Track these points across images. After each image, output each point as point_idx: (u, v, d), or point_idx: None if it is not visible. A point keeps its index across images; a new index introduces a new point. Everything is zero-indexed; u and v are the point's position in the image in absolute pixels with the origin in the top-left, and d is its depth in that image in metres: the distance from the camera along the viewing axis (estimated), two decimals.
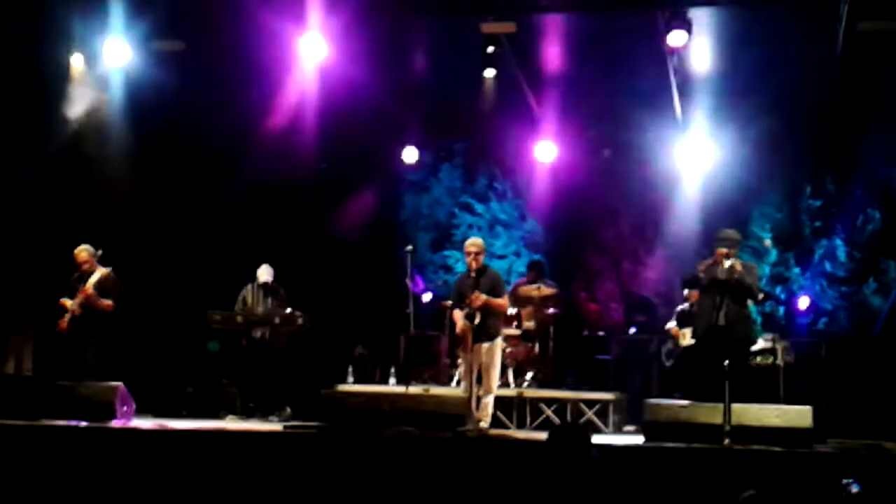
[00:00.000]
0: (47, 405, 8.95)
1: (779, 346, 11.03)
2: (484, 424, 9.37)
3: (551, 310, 12.16)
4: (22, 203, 12.27)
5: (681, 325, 11.06)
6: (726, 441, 7.95)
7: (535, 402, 11.15)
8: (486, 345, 9.44)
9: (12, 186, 12.12)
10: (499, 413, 10.53)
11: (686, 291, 10.82)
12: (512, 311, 11.55)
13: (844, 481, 6.49)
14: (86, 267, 10.35)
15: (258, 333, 11.22)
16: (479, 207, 14.12)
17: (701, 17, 10.78)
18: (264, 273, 11.42)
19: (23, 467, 7.56)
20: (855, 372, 11.29)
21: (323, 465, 7.42)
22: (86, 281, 10.27)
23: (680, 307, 11.26)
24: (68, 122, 12.39)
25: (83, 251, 10.39)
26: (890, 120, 11.97)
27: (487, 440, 8.75)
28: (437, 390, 10.93)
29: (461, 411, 8.84)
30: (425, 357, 12.48)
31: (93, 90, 12.39)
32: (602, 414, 10.92)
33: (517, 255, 13.85)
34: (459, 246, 12.49)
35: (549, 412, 11.02)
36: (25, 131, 12.23)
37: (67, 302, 10.30)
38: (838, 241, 12.68)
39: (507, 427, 10.86)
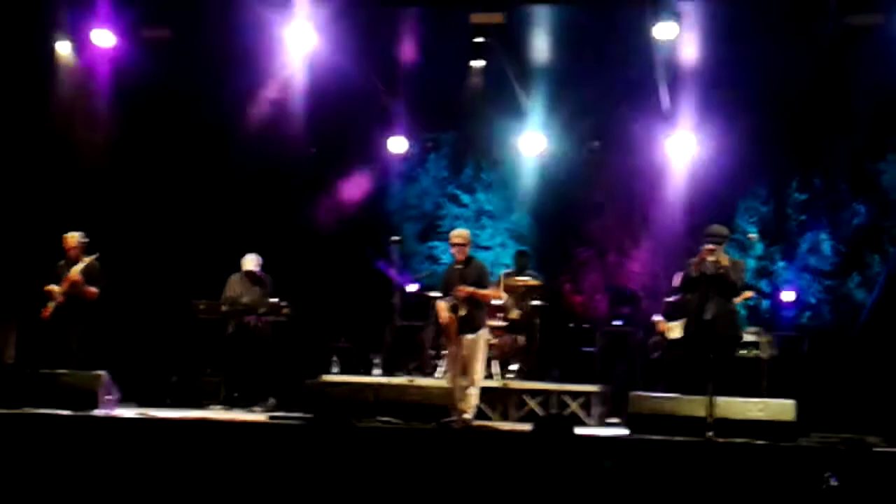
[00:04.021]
0: (30, 393, 8.92)
1: (762, 340, 11.07)
2: (468, 416, 9.38)
3: (536, 301, 12.17)
4: (4, 191, 12.22)
5: (667, 318, 11.08)
6: (709, 434, 7.98)
7: (519, 393, 11.16)
8: (470, 336, 9.46)
9: None
10: (483, 405, 10.53)
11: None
12: (498, 301, 11.55)
13: (827, 474, 6.53)
14: (73, 254, 10.33)
15: (245, 321, 11.21)
16: (465, 198, 14.11)
17: (688, 10, 10.80)
18: (250, 262, 11.39)
19: (5, 455, 7.53)
20: (838, 366, 11.34)
21: (307, 455, 7.41)
22: (71, 268, 10.24)
23: (668, 299, 11.28)
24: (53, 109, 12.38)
25: (73, 237, 10.36)
26: (876, 114, 12.01)
27: (472, 431, 8.76)
28: (421, 381, 10.92)
29: (445, 402, 8.85)
30: (410, 348, 12.47)
31: (78, 77, 12.37)
32: (586, 406, 10.94)
33: (503, 246, 13.85)
34: (446, 236, 12.45)
35: (533, 404, 11.03)
36: (11, 119, 12.20)
37: (54, 288, 10.27)
38: (823, 235, 12.72)
39: (491, 419, 10.87)
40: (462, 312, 9.40)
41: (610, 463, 6.92)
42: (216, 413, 10.31)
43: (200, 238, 13.03)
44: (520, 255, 12.82)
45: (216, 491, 7.31)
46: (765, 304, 12.68)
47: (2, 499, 7.26)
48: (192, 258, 12.78)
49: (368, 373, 12.04)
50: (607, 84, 12.30)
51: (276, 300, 11.17)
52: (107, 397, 9.18)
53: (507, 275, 12.43)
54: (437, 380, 11.06)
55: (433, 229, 14.13)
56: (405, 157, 14.04)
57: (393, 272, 12.74)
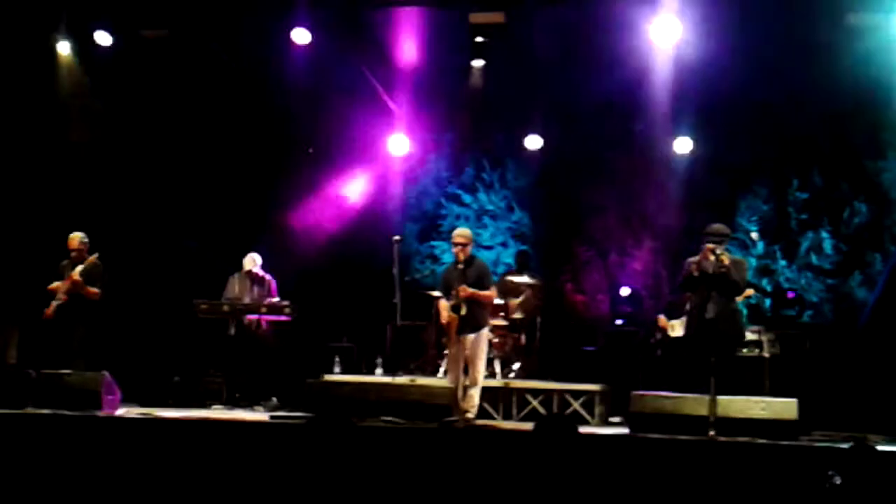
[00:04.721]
0: (33, 393, 8.93)
1: (764, 339, 11.06)
2: (470, 415, 9.38)
3: (537, 300, 12.17)
4: (6, 191, 12.24)
5: (670, 316, 11.08)
6: (711, 433, 7.98)
7: (521, 392, 11.16)
8: (472, 336, 9.46)
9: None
10: (485, 404, 10.53)
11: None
12: (499, 301, 11.55)
13: (829, 473, 6.53)
14: (76, 254, 10.34)
15: (246, 321, 11.21)
16: (466, 198, 14.09)
17: (689, 8, 10.80)
18: (251, 262, 11.40)
19: (7, 456, 7.53)
20: (840, 364, 11.33)
21: (309, 454, 7.42)
22: (74, 268, 10.26)
23: (670, 298, 11.28)
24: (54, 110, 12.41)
25: (76, 238, 10.38)
26: (878, 112, 12.00)
27: (474, 431, 8.76)
28: (423, 381, 10.91)
29: (447, 402, 8.85)
30: (412, 347, 12.47)
31: (79, 76, 12.40)
32: (588, 405, 10.94)
33: (504, 245, 13.83)
34: (447, 236, 12.49)
35: (535, 403, 11.04)
36: (12, 119, 12.22)
37: (57, 285, 10.28)
38: (825, 234, 12.71)
39: (493, 418, 10.88)
40: (463, 312, 9.40)
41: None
42: (218, 413, 10.31)
43: (201, 238, 13.03)
44: (521, 255, 12.83)
45: (218, 490, 7.31)
46: (766, 302, 12.67)
47: (5, 499, 7.27)
48: (193, 258, 12.78)
49: (370, 372, 12.05)
50: (608, 83, 12.28)
51: (277, 300, 11.18)
52: (109, 397, 9.18)
53: (508, 274, 12.44)
54: (439, 379, 11.07)
55: (434, 229, 14.12)
56: (406, 157, 14.03)
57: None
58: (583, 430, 7.86)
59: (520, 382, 11.32)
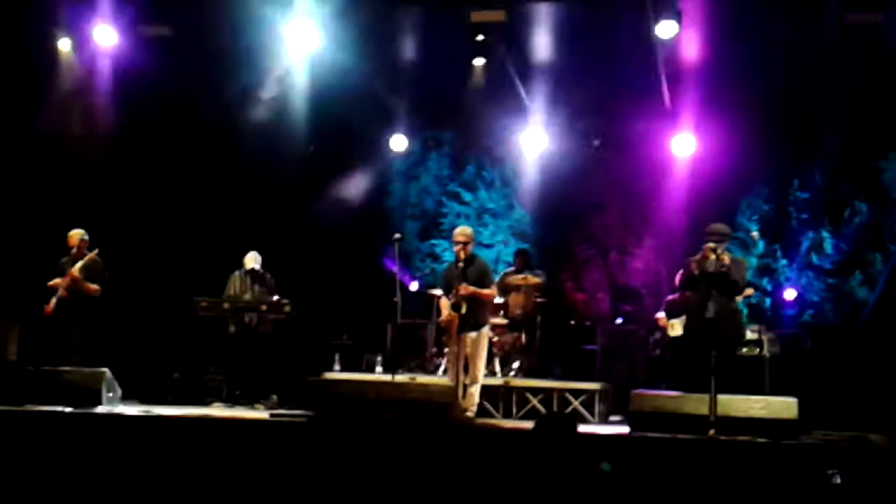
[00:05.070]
0: (32, 390, 8.92)
1: (765, 338, 11.07)
2: (470, 413, 9.38)
3: (537, 299, 12.17)
4: (6, 188, 12.23)
5: (669, 315, 11.08)
6: (711, 432, 7.97)
7: (521, 391, 11.15)
8: (472, 334, 9.44)
9: None
10: (485, 402, 10.52)
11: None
12: (499, 300, 11.55)
13: (829, 472, 6.53)
14: (75, 251, 10.33)
15: (247, 318, 11.21)
16: (467, 196, 14.11)
17: (690, 7, 10.79)
18: (251, 260, 11.39)
19: (7, 453, 7.52)
20: (840, 364, 11.33)
21: (309, 452, 7.41)
22: (74, 265, 10.25)
23: (669, 297, 11.28)
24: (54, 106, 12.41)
25: (76, 235, 10.37)
26: (878, 112, 12.00)
27: (474, 429, 8.75)
28: (423, 379, 10.91)
29: (447, 400, 8.84)
30: (412, 345, 12.48)
31: (79, 74, 12.40)
32: (588, 404, 10.93)
33: (505, 244, 13.85)
34: (447, 235, 12.50)
35: (535, 401, 11.03)
36: (12, 116, 12.21)
37: (58, 280, 10.27)
38: (825, 234, 12.72)
39: (493, 416, 10.87)
40: (464, 310, 9.38)
41: (609, 466, 6.90)
42: (218, 410, 10.31)
43: (202, 236, 13.03)
44: (521, 254, 12.83)
45: (218, 488, 7.30)
46: (767, 302, 12.68)
47: (4, 496, 7.26)
48: (193, 256, 12.78)
49: (370, 370, 12.05)
50: (609, 82, 12.29)
51: (277, 298, 11.17)
52: (108, 394, 9.18)
53: (509, 273, 12.44)
54: (439, 377, 11.07)
55: (434, 227, 14.13)
56: (406, 155, 14.03)
57: (396, 268, 12.71)
58: (582, 428, 7.86)
59: (520, 381, 11.31)
